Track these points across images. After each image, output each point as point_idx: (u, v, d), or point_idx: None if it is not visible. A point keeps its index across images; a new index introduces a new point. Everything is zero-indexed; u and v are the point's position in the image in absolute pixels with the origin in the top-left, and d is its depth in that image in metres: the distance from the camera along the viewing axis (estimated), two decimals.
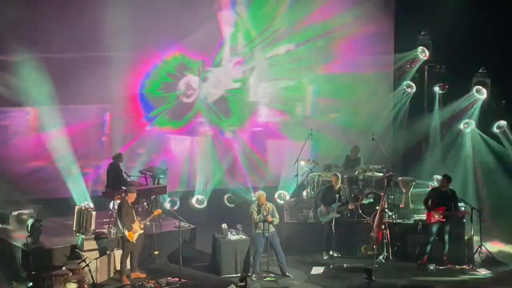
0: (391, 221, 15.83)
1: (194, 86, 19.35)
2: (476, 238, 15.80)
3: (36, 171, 17.66)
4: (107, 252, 14.54)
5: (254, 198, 16.00)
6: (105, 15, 17.79)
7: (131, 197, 14.56)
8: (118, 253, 14.65)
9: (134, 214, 14.55)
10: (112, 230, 15.21)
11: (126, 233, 14.29)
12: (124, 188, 15.26)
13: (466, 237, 15.83)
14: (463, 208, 15.81)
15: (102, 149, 18.36)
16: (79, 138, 17.98)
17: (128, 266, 14.60)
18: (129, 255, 14.52)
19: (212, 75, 19.41)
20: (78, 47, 17.70)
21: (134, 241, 14.39)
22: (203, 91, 19.35)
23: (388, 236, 15.38)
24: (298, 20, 19.42)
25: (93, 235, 14.76)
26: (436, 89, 19.48)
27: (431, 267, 15.06)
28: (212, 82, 19.46)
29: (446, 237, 15.28)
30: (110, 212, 15.86)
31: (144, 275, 14.51)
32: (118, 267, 14.55)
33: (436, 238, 15.28)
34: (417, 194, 17.41)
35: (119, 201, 14.77)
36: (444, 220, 15.24)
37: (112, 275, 14.47)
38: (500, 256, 15.86)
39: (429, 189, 16.73)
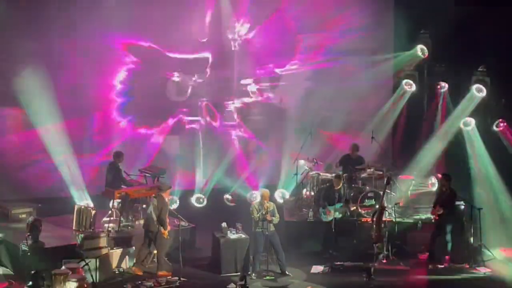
0: (391, 219, 15.84)
1: (186, 85, 19.29)
2: (476, 237, 15.85)
3: (35, 169, 17.63)
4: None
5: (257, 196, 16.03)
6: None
7: (167, 194, 14.75)
8: (118, 251, 14.71)
9: None
10: (111, 228, 15.25)
11: (162, 230, 14.46)
12: (156, 185, 15.45)
13: (465, 236, 15.85)
14: (462, 207, 15.87)
15: (94, 147, 18.32)
16: (74, 136, 17.99)
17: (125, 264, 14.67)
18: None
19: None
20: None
21: (168, 237, 14.62)
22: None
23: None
24: (296, 17, 19.49)
25: (93, 234, 14.76)
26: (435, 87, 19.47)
27: (430, 266, 15.09)
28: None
29: (447, 236, 15.29)
30: (110, 211, 15.88)
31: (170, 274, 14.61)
32: (117, 265, 14.61)
33: (439, 236, 15.37)
34: (416, 193, 17.44)
35: (155, 200, 14.64)
36: (437, 218, 15.30)
37: (111, 273, 14.48)
38: (500, 255, 15.87)
39: (428, 188, 16.96)
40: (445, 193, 15.44)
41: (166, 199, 14.83)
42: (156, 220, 14.46)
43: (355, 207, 16.15)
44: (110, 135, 18.68)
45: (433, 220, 15.57)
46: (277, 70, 19.91)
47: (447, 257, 15.24)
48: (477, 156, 18.62)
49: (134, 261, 14.72)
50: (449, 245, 15.32)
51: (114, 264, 14.63)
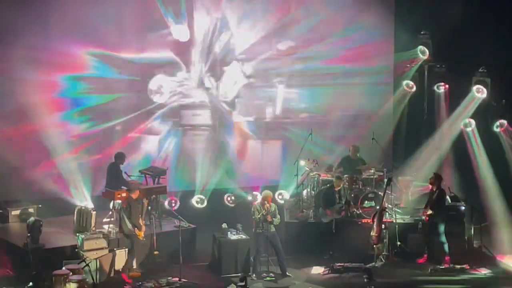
0: (391, 220, 15.84)
1: (165, 85, 19.17)
2: (476, 237, 15.85)
3: (35, 170, 17.61)
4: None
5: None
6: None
7: (135, 194, 14.65)
8: (118, 252, 14.69)
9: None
10: (112, 229, 15.25)
11: (136, 231, 14.41)
12: (124, 187, 15.32)
13: (465, 236, 15.85)
14: (463, 208, 15.87)
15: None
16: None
17: (135, 266, 14.69)
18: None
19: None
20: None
21: (143, 239, 14.50)
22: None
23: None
24: (295, 18, 19.47)
25: (93, 235, 14.75)
26: (436, 88, 19.48)
27: (430, 267, 15.09)
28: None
29: (441, 237, 15.24)
30: (110, 212, 15.87)
31: (139, 274, 14.54)
32: (119, 267, 14.58)
33: (435, 237, 15.32)
34: (417, 194, 17.45)
35: (124, 200, 14.77)
36: (427, 219, 15.27)
37: (112, 274, 14.48)
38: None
39: (428, 188, 16.92)
40: (432, 193, 15.42)
41: (136, 200, 14.69)
42: (128, 222, 14.44)
43: (355, 208, 16.15)
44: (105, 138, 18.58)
45: (425, 221, 15.52)
46: (273, 70, 19.87)
47: (446, 258, 15.21)
48: (477, 157, 18.65)
49: (124, 265, 14.68)
50: (445, 246, 15.26)
51: (114, 265, 14.62)
